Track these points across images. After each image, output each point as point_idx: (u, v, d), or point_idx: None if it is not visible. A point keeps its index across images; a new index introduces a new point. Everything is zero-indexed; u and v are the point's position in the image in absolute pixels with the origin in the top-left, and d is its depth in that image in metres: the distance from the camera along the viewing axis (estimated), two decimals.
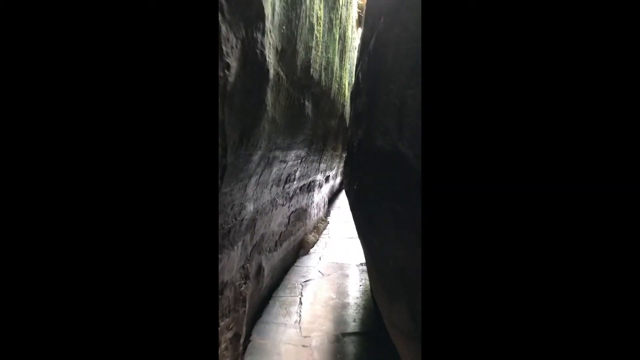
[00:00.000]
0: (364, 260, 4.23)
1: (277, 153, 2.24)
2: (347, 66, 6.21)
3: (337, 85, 4.65)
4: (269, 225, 2.76)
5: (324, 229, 5.40)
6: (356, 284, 3.53)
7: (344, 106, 6.12)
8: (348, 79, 6.58)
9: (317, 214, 5.22)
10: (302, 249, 4.32)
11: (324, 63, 3.24)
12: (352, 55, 7.18)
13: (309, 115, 2.80)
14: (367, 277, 3.68)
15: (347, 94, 6.90)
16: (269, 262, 2.99)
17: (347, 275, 3.73)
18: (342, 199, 7.66)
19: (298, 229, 4.12)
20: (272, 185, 2.45)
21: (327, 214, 6.26)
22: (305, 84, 2.45)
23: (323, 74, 3.20)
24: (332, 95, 4.17)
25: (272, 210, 2.70)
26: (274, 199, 2.68)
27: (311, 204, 4.68)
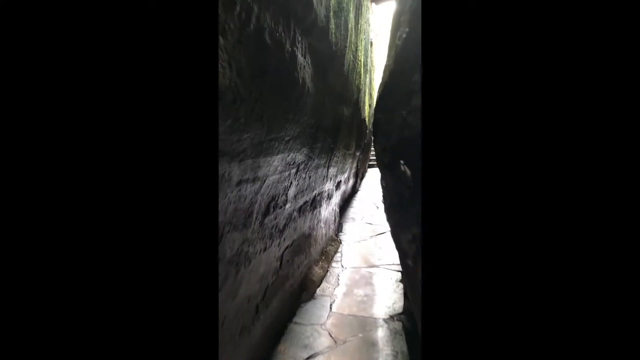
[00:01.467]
0: (395, 310, 2.92)
1: (230, 168, 0.93)
2: (363, 41, 4.83)
3: (351, 57, 3.29)
4: (235, 297, 1.46)
5: (335, 252, 4.09)
6: None
7: (359, 90, 4.75)
8: (363, 58, 5.21)
9: (325, 234, 3.92)
10: (304, 291, 3.02)
11: (333, 2, 1.91)
12: (367, 29, 5.78)
13: (307, 87, 1.48)
14: (403, 347, 2.37)
15: (364, 77, 5.52)
16: (240, 348, 1.70)
17: (373, 344, 2.41)
18: (356, 206, 6.33)
19: (298, 266, 2.83)
20: (227, 233, 1.15)
21: (339, 229, 4.95)
22: (296, 14, 1.13)
23: (332, 19, 1.86)
24: (345, 67, 2.82)
25: (237, 274, 1.40)
26: (240, 253, 1.37)
27: (317, 224, 3.38)
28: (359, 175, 7.65)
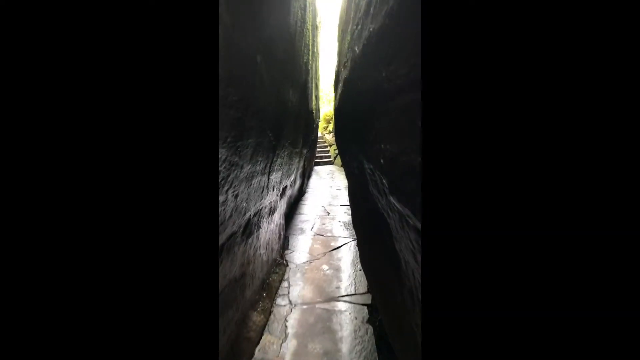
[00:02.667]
0: None
1: None
2: (311, 11, 3.90)
3: (300, 13, 2.35)
4: None
5: (281, 281, 3.15)
6: None
7: (307, 72, 3.83)
8: (311, 35, 4.30)
9: (267, 261, 2.95)
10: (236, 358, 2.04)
11: None
12: (315, 3, 4.88)
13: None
14: None
15: (312, 59, 4.61)
16: None
17: None
18: (305, 212, 5.46)
19: (224, 329, 1.83)
20: None
21: (285, 245, 4.02)
22: None
23: None
24: (292, 20, 1.89)
25: None
26: None
27: (255, 253, 2.40)
28: (305, 175, 6.78)
